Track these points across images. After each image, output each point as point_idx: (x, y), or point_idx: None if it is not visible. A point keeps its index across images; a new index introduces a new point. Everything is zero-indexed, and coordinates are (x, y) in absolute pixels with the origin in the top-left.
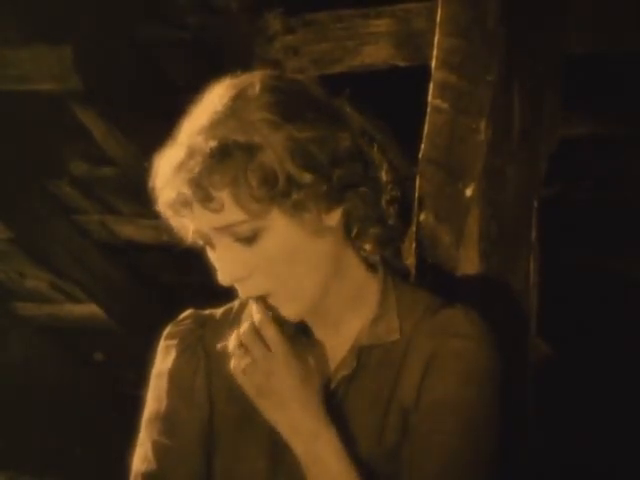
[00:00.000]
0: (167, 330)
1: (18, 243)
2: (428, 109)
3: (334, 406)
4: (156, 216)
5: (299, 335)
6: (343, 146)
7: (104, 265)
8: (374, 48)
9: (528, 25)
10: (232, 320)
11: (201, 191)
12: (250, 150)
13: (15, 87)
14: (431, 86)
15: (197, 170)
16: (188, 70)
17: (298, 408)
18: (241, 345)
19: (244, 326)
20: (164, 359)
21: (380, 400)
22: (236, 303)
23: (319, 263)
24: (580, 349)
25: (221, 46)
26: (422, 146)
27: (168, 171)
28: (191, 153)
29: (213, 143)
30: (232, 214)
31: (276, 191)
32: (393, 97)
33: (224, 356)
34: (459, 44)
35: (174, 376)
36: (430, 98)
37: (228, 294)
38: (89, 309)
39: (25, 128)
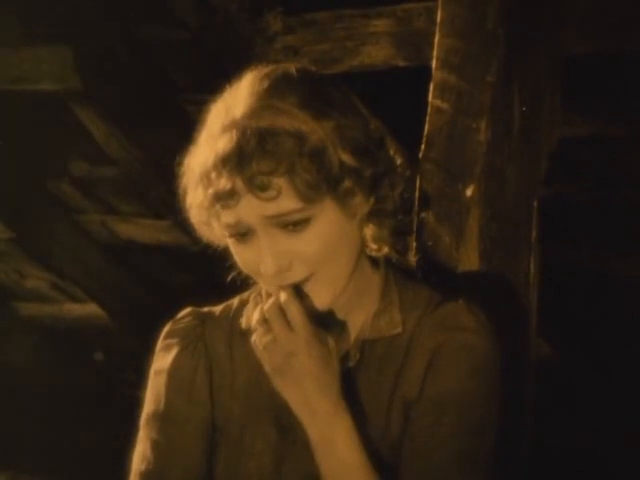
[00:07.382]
0: (166, 328)
1: (18, 243)
2: (428, 109)
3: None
4: (156, 216)
5: (318, 320)
6: (376, 134)
7: (104, 265)
8: (374, 48)
9: (528, 25)
10: (232, 317)
11: (257, 179)
12: (300, 136)
13: (15, 87)
14: (431, 86)
15: (251, 158)
16: (188, 70)
17: (315, 390)
18: (264, 321)
19: (269, 302)
20: (164, 357)
21: (384, 393)
22: (235, 300)
23: (353, 251)
24: (580, 349)
25: (221, 46)
26: (422, 146)
27: (211, 162)
28: (241, 142)
29: (263, 130)
30: (288, 201)
31: (330, 177)
32: (393, 97)
33: (225, 353)
34: (459, 45)
35: (174, 374)
36: (430, 98)
37: (228, 293)
38: (89, 309)
39: (25, 128)
